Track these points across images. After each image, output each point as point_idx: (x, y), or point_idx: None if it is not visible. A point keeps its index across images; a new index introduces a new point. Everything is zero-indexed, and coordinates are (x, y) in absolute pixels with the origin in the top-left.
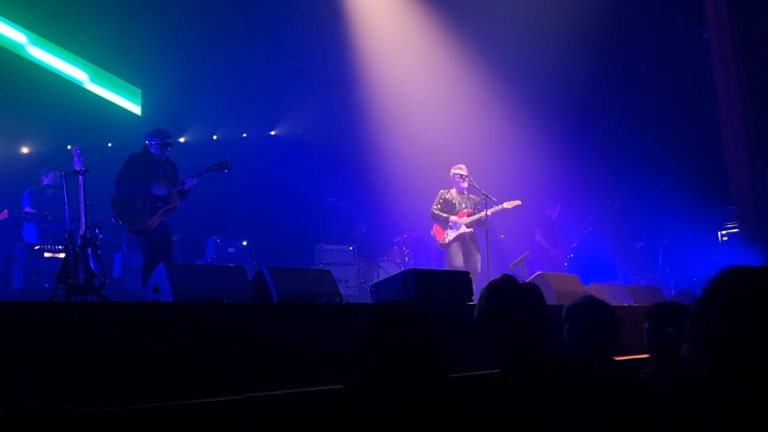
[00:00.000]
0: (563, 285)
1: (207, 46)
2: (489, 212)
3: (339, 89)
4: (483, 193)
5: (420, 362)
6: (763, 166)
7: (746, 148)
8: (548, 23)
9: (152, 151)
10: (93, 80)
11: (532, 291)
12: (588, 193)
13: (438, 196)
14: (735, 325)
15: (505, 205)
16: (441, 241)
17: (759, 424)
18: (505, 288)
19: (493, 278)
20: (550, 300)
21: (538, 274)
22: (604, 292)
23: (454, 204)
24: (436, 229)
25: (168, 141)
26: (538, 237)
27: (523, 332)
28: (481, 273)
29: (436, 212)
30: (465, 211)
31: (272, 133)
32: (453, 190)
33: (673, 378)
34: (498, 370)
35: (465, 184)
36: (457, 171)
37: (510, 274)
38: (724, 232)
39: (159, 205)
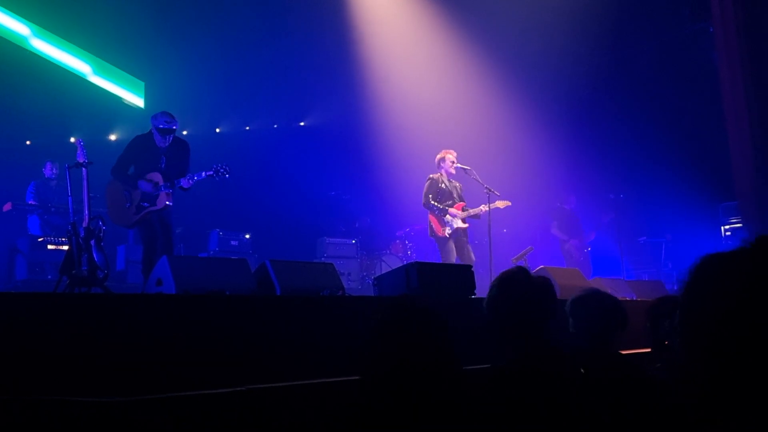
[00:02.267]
0: (566, 279)
1: (211, 38)
2: (484, 209)
3: (343, 82)
4: (486, 187)
5: (433, 357)
6: (767, 161)
7: (750, 142)
8: (552, 17)
9: (155, 138)
10: (96, 72)
11: (544, 285)
12: (591, 188)
13: (430, 184)
14: (719, 313)
15: (498, 204)
16: (440, 235)
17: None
18: (516, 280)
19: (495, 272)
20: None
21: (541, 268)
22: (606, 286)
23: (449, 193)
24: (433, 220)
25: (166, 127)
26: (554, 230)
27: (532, 326)
28: (484, 266)
29: (434, 204)
30: (459, 204)
31: (275, 126)
32: (442, 176)
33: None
34: (502, 364)
35: (453, 171)
36: (448, 156)
37: (522, 266)
38: (727, 227)
39: (145, 204)
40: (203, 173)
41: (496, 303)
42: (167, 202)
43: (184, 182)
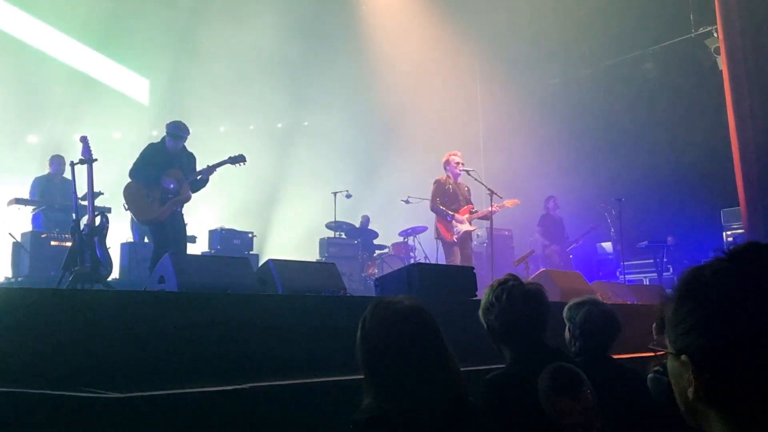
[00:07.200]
0: (567, 282)
1: (215, 38)
2: (493, 209)
3: (347, 81)
4: (489, 189)
5: (412, 354)
6: None
7: (754, 147)
8: (559, 19)
9: (166, 141)
10: (101, 70)
11: (536, 291)
12: (593, 191)
13: (436, 187)
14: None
15: (506, 203)
16: (447, 239)
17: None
18: (507, 287)
19: (496, 274)
20: (553, 297)
21: (543, 271)
22: (607, 290)
23: (455, 195)
24: (440, 224)
25: (179, 134)
26: (538, 234)
27: (526, 332)
28: (486, 269)
29: (442, 208)
30: (466, 207)
31: (278, 125)
32: (449, 179)
33: None
34: (502, 366)
35: (459, 172)
36: (453, 157)
37: (513, 273)
38: (729, 232)
39: (169, 196)
40: (217, 163)
41: (488, 309)
42: (189, 193)
43: (207, 171)
